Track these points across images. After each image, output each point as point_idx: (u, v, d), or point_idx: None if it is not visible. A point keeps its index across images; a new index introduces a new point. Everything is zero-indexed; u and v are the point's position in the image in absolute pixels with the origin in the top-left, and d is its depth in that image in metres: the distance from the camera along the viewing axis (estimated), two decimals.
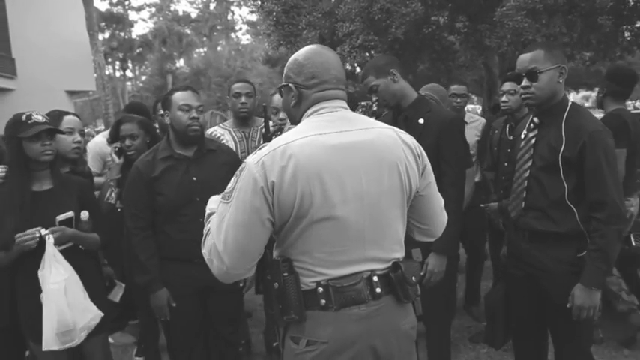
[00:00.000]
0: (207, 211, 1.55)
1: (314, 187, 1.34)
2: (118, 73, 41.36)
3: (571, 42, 8.39)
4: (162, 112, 2.94)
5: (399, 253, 1.51)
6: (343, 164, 1.38)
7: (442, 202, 1.68)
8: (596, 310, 2.12)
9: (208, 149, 2.56)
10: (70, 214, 2.30)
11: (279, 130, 2.76)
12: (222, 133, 3.34)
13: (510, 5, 7.43)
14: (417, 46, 9.79)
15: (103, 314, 2.31)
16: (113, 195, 2.88)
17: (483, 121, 4.01)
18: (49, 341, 2.13)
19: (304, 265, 1.40)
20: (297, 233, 1.39)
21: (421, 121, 2.55)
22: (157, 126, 3.60)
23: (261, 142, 3.23)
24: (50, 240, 2.15)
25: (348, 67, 12.34)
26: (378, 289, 1.42)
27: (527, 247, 2.29)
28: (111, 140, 3.09)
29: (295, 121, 1.56)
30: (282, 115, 3.13)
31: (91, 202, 2.48)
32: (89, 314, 2.25)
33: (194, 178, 2.44)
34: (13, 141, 2.21)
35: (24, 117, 2.23)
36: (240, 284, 2.54)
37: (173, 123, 2.49)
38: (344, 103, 1.53)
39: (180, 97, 2.47)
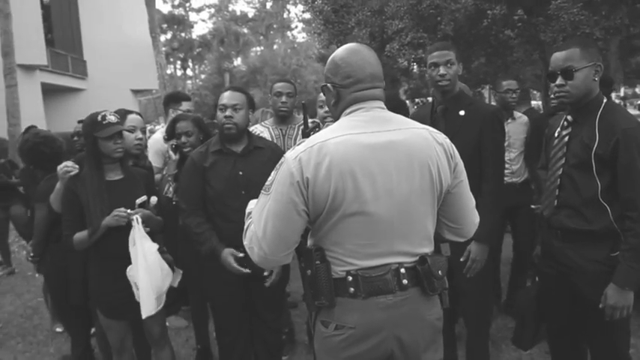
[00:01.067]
0: (247, 211, 1.65)
1: (347, 184, 1.42)
2: (179, 72, 42.99)
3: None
4: None
5: (428, 248, 1.56)
6: (375, 162, 1.45)
7: (473, 202, 1.71)
8: (630, 310, 2.09)
9: (256, 146, 2.69)
10: (144, 197, 2.57)
11: (318, 127, 2.89)
12: (262, 130, 3.53)
13: None
14: (471, 41, 9.61)
15: (180, 274, 2.62)
16: (171, 189, 3.10)
17: (526, 119, 4.00)
18: (149, 307, 2.39)
19: (336, 254, 1.49)
20: (330, 225, 1.47)
21: (462, 112, 2.60)
22: None
23: (300, 138, 3.39)
24: (139, 219, 2.43)
25: (404, 63, 12.26)
26: (405, 281, 1.49)
27: (560, 246, 2.26)
28: (167, 138, 3.30)
29: (336, 119, 1.63)
30: (327, 108, 3.28)
31: (154, 190, 2.76)
32: (169, 279, 2.57)
33: (240, 172, 2.60)
34: (89, 138, 2.49)
35: (99, 117, 2.50)
36: (265, 274, 2.64)
37: (217, 121, 2.69)
38: (380, 103, 1.58)
39: (221, 97, 2.67)
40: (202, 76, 41.89)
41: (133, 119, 3.05)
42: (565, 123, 2.29)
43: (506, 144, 3.68)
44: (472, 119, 2.58)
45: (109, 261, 2.51)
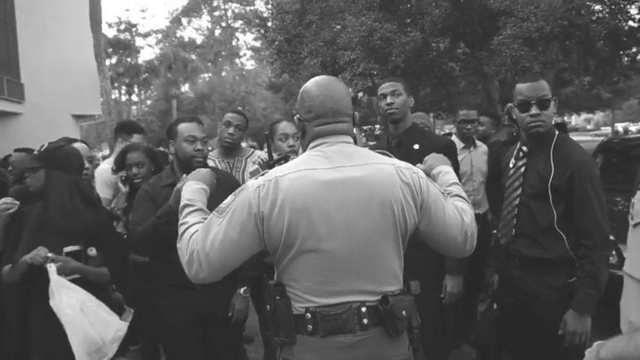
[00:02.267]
0: (184, 202, 1.63)
1: (300, 220, 1.40)
2: (124, 98, 41.89)
3: (570, 67, 8.56)
4: None
5: (394, 287, 1.51)
6: (332, 199, 1.43)
7: (456, 234, 1.59)
8: (587, 335, 2.14)
9: None
10: (75, 247, 2.32)
11: (284, 159, 2.81)
12: (209, 162, 3.39)
13: (507, 34, 7.61)
14: (418, 72, 9.98)
15: (127, 323, 2.36)
16: (120, 224, 2.94)
17: (486, 148, 3.95)
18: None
19: (295, 291, 1.46)
20: (287, 261, 1.46)
21: (416, 146, 2.63)
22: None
23: (248, 171, 3.30)
24: (52, 269, 2.17)
25: (351, 92, 12.55)
26: (366, 320, 1.44)
27: (518, 274, 2.30)
28: (116, 169, 3.14)
29: (304, 151, 1.62)
30: (291, 141, 3.20)
31: (101, 236, 2.47)
32: (113, 327, 2.30)
33: None
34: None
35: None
36: (229, 314, 2.53)
37: (178, 153, 2.56)
38: (345, 137, 1.56)
39: (185, 128, 2.54)
40: (148, 102, 41.06)
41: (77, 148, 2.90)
42: (520, 154, 2.37)
43: (468, 174, 3.76)
44: (426, 152, 2.60)
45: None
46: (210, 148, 4.21)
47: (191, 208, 1.61)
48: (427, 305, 2.55)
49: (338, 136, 1.54)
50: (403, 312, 1.48)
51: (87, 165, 2.89)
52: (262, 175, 1.50)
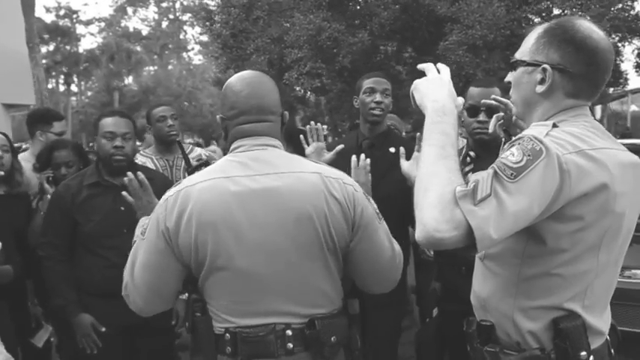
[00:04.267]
0: (134, 239, 1.50)
1: (207, 236, 1.28)
2: (62, 88, 39.81)
3: None
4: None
5: (325, 308, 1.36)
6: (242, 212, 1.29)
7: (387, 261, 1.44)
8: None
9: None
10: None
11: (205, 164, 2.55)
12: (144, 160, 3.11)
13: (453, 40, 7.74)
14: (365, 74, 9.97)
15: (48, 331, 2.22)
16: None
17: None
18: None
19: (214, 309, 1.35)
20: (203, 278, 1.34)
21: (392, 149, 2.44)
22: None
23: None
24: None
25: (301, 91, 12.42)
26: (290, 345, 1.31)
27: (463, 282, 2.27)
28: (40, 167, 2.83)
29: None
30: (170, 121, 3.16)
31: (4, 232, 2.29)
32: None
33: (122, 208, 2.27)
34: None
35: None
36: (173, 322, 2.38)
37: (98, 150, 2.37)
38: (267, 139, 1.40)
39: (105, 123, 2.34)
40: (89, 93, 39.22)
41: None
42: (468, 159, 2.31)
43: None
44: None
45: None
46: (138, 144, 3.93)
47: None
48: (383, 325, 2.44)
49: (259, 137, 1.39)
50: (332, 338, 1.33)
51: (0, 154, 2.59)
52: (177, 184, 1.37)
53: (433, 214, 1.05)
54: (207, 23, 10.42)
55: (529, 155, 1.09)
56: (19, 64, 18.94)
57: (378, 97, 2.42)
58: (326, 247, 1.34)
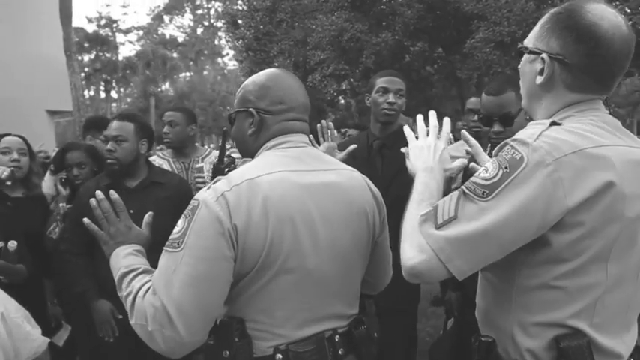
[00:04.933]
0: (122, 270, 1.24)
1: (285, 233, 1.13)
2: (102, 95, 41.23)
3: None
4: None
5: (356, 308, 1.31)
6: (316, 208, 1.18)
7: (391, 255, 1.46)
8: None
9: (153, 181, 2.42)
10: (14, 243, 2.18)
11: (233, 163, 2.56)
12: (161, 163, 3.18)
13: (480, 37, 7.51)
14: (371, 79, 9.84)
15: (49, 340, 2.18)
16: (57, 230, 2.68)
17: None
18: None
19: (262, 326, 1.15)
20: (259, 287, 1.14)
21: (404, 149, 2.38)
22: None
23: (210, 172, 3.09)
24: None
25: (330, 94, 12.29)
26: (341, 351, 1.20)
27: None
28: (55, 170, 2.90)
29: (249, 154, 1.33)
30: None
31: (17, 232, 2.32)
32: (34, 343, 2.09)
33: (131, 211, 2.29)
34: None
35: None
36: None
37: None
38: (305, 138, 1.33)
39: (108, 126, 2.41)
40: (128, 100, 40.46)
41: (7, 141, 2.66)
42: None
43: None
44: None
45: None
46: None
47: (133, 274, 1.21)
48: (394, 333, 2.29)
49: (300, 135, 1.30)
50: (375, 333, 1.29)
51: (16, 157, 2.64)
52: (215, 182, 1.17)
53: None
54: (231, 27, 10.52)
55: (506, 168, 0.98)
56: (58, 72, 19.70)
57: (391, 97, 2.34)
58: (370, 244, 1.32)
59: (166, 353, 1.11)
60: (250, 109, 1.28)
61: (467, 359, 2.29)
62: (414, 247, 1.00)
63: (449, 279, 2.67)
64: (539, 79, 1.12)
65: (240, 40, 9.84)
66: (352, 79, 10.32)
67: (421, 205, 1.10)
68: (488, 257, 1.00)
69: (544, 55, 1.10)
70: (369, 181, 1.37)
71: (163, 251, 1.14)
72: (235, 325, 1.14)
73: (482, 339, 1.20)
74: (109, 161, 2.34)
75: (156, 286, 1.10)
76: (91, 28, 38.22)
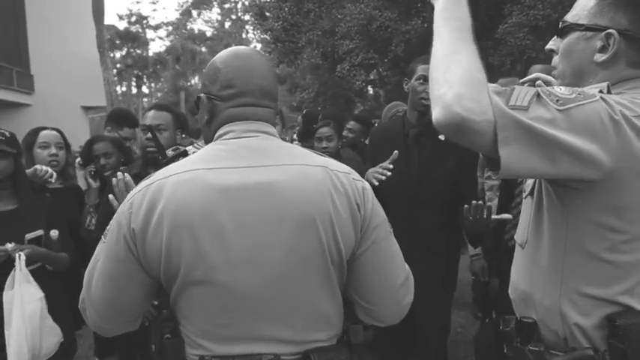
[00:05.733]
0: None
1: (182, 242, 1.02)
2: (134, 90, 42.07)
3: None
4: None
5: (325, 333, 1.12)
6: (229, 214, 1.04)
7: (400, 275, 1.20)
8: None
9: None
10: (39, 232, 2.21)
11: (183, 155, 2.37)
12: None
13: (512, 22, 7.30)
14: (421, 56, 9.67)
15: (63, 340, 2.21)
16: (93, 221, 2.76)
17: None
18: None
19: (186, 331, 1.10)
20: (175, 293, 1.09)
21: (442, 137, 2.29)
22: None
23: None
24: (22, 258, 2.03)
25: (359, 84, 12.14)
26: None
27: None
28: (83, 163, 2.97)
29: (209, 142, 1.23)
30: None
31: (59, 221, 2.39)
32: (56, 337, 2.16)
33: None
34: None
35: None
36: None
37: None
38: (261, 125, 1.15)
39: (144, 116, 2.45)
40: (159, 94, 41.17)
41: (45, 135, 2.76)
42: None
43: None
44: (453, 146, 2.33)
45: None
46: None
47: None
48: (428, 318, 2.28)
49: (253, 122, 1.14)
50: None
51: (54, 151, 2.73)
52: (147, 178, 1.12)
53: (460, 90, 0.90)
54: (259, 18, 10.53)
55: (579, 94, 0.96)
56: (92, 69, 20.19)
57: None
58: (330, 259, 1.09)
59: (95, 330, 1.18)
60: (201, 95, 1.20)
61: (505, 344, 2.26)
62: (478, 103, 0.90)
63: (493, 267, 2.57)
64: (601, 57, 1.08)
65: (269, 32, 9.84)
66: (381, 69, 10.20)
67: (471, 45, 1.00)
68: (537, 167, 0.94)
69: (613, 31, 1.06)
70: (342, 178, 1.12)
71: (101, 239, 1.16)
72: (164, 323, 1.13)
73: (524, 320, 1.18)
74: (149, 149, 2.36)
75: (87, 270, 1.14)
76: (122, 25, 39.00)
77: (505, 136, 0.90)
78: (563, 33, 1.17)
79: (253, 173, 1.07)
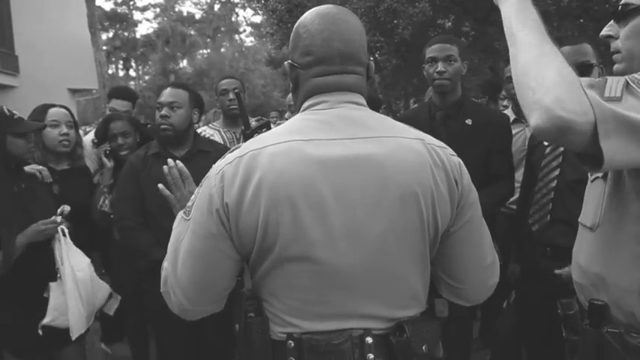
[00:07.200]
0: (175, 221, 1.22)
1: (282, 216, 0.98)
2: (121, 73, 41.32)
3: None
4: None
5: (413, 310, 1.10)
6: (330, 187, 0.99)
7: (488, 255, 1.18)
8: None
9: (200, 149, 2.43)
10: (66, 207, 2.20)
11: (266, 126, 2.41)
12: (212, 133, 3.22)
13: None
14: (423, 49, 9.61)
15: (111, 291, 2.35)
16: (107, 202, 2.68)
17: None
18: (78, 326, 2.11)
19: (273, 310, 1.07)
20: (265, 270, 1.05)
21: (469, 121, 2.30)
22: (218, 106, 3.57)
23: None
24: (66, 231, 2.13)
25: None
26: (371, 356, 1.03)
27: (546, 264, 2.08)
28: (98, 142, 2.90)
29: (297, 112, 1.18)
30: (230, 95, 3.11)
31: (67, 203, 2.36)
32: (105, 292, 2.33)
33: None
34: None
35: (6, 111, 2.07)
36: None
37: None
38: (354, 96, 1.10)
39: (160, 94, 2.45)
40: (147, 77, 40.52)
41: (54, 113, 2.60)
42: None
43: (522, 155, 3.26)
44: (481, 129, 2.27)
45: (19, 289, 2.06)
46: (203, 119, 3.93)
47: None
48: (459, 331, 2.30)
49: (344, 93, 1.09)
50: (424, 346, 1.06)
51: (65, 130, 2.60)
52: (233, 150, 1.08)
53: (557, 93, 0.88)
54: (262, 0, 10.32)
55: None
56: (83, 50, 19.77)
57: (440, 66, 2.29)
58: (428, 233, 1.07)
59: (179, 314, 1.12)
60: (286, 62, 1.16)
61: (530, 331, 2.25)
62: (578, 104, 0.88)
63: (512, 251, 2.57)
64: None
65: (271, 13, 9.66)
66: (377, 54, 10.11)
67: (554, 47, 0.98)
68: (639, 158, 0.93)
69: None
70: (440, 152, 1.09)
71: (179, 215, 1.13)
72: (248, 301, 1.08)
73: (596, 302, 1.17)
74: (162, 126, 2.32)
75: (168, 251, 1.11)
76: (108, 6, 38.19)
77: (605, 130, 0.89)
78: (626, 16, 1.16)
79: (353, 145, 1.03)
